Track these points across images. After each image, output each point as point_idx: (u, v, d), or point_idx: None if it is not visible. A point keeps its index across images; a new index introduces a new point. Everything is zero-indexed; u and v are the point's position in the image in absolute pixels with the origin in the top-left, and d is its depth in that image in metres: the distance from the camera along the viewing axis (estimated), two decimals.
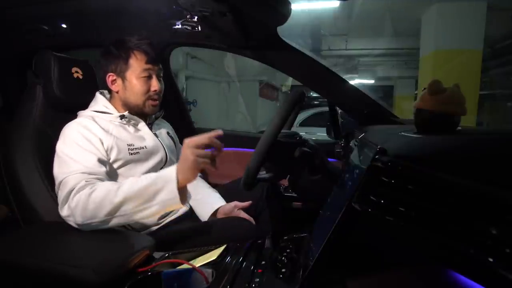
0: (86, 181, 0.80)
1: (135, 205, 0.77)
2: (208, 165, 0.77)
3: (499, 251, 0.30)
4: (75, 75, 1.05)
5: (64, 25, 1.07)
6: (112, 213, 0.77)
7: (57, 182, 0.83)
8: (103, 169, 0.86)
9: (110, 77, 0.99)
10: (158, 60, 1.00)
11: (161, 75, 1.02)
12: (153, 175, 0.80)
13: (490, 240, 0.31)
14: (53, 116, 1.01)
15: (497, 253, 0.30)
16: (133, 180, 0.80)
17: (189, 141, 0.76)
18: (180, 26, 1.01)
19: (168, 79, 1.45)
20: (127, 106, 1.00)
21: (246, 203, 1.06)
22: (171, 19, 1.04)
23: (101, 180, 0.84)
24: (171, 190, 0.76)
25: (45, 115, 1.00)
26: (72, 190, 0.78)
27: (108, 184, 0.81)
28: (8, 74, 1.17)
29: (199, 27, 1.01)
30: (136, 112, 1.01)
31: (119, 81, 0.98)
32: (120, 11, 1.02)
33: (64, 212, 0.79)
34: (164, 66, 1.39)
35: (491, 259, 0.30)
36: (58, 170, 0.84)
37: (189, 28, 1.00)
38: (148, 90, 0.98)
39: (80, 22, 1.09)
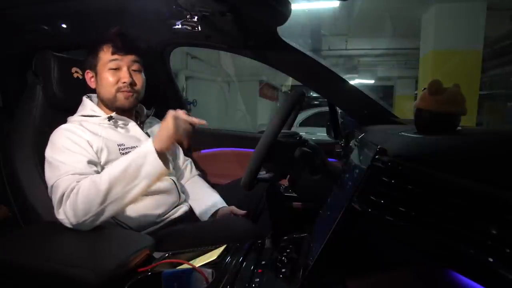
0: (77, 182, 0.80)
1: (122, 186, 0.79)
2: (185, 136, 0.82)
3: (499, 251, 0.30)
4: (75, 75, 1.05)
5: (64, 25, 1.07)
6: (103, 202, 0.77)
7: (49, 186, 0.83)
8: (93, 169, 0.85)
9: (88, 74, 0.99)
10: (131, 51, 0.97)
11: (137, 67, 0.98)
12: (130, 154, 0.82)
13: (490, 240, 0.31)
14: (53, 116, 1.01)
15: (497, 253, 0.30)
16: (113, 164, 0.82)
17: (174, 112, 0.82)
18: (180, 26, 1.01)
19: (168, 79, 1.45)
20: (103, 102, 0.99)
21: (242, 212, 1.06)
22: (171, 19, 1.04)
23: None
24: (153, 161, 0.79)
25: (45, 115, 1.00)
26: (64, 193, 0.79)
27: (91, 177, 0.81)
28: (8, 74, 1.17)
29: (199, 27, 1.00)
30: (115, 107, 0.98)
31: (94, 76, 0.98)
32: (120, 11, 1.01)
33: (60, 215, 0.79)
34: (164, 66, 1.40)
35: (491, 259, 0.30)
36: (49, 175, 0.84)
37: (189, 28, 1.00)
38: (117, 82, 0.95)
39: (80, 22, 1.09)
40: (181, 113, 0.83)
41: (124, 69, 0.95)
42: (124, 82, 0.94)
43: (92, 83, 0.99)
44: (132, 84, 0.96)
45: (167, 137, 0.81)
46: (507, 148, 0.41)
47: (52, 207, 0.86)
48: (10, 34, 1.07)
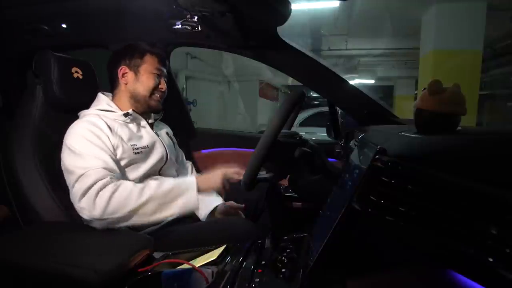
0: (110, 178, 0.83)
1: (157, 206, 0.84)
2: (222, 190, 0.94)
3: (499, 251, 0.30)
4: (75, 75, 1.04)
5: (64, 25, 1.07)
6: (134, 211, 0.82)
7: (74, 176, 0.84)
8: (116, 167, 0.89)
9: (122, 70, 1.02)
10: (166, 65, 1.08)
11: (166, 79, 1.08)
12: (176, 180, 0.91)
13: (490, 240, 0.31)
14: (53, 116, 1.01)
15: (497, 253, 0.30)
16: (157, 183, 0.88)
17: (227, 171, 0.94)
18: (180, 26, 1.01)
19: (168, 79, 1.45)
20: (133, 98, 1.03)
21: (240, 205, 1.08)
22: (171, 19, 1.04)
23: (118, 178, 0.87)
24: (192, 195, 0.88)
25: (45, 115, 1.00)
26: (94, 184, 0.81)
27: (130, 184, 0.86)
28: (8, 74, 1.17)
29: (199, 27, 1.01)
30: (141, 106, 1.04)
31: (130, 74, 1.02)
32: (120, 11, 1.02)
33: (82, 203, 0.80)
34: None
35: (491, 259, 0.30)
36: (74, 164, 0.85)
37: (189, 28, 1.00)
38: (157, 87, 1.04)
39: (80, 22, 1.09)
40: (230, 173, 0.93)
41: (162, 78, 1.06)
42: (162, 89, 1.05)
43: (123, 79, 1.03)
44: (165, 92, 1.08)
45: (211, 187, 0.93)
46: (507, 148, 0.41)
47: (52, 207, 0.86)
48: (10, 34, 1.07)
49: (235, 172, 0.94)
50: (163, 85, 1.05)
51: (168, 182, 0.89)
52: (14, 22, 1.03)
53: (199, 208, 0.90)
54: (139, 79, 1.02)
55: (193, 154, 1.49)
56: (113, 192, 0.81)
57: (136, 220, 0.84)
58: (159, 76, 1.04)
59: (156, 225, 0.97)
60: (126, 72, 1.02)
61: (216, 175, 0.93)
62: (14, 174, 0.93)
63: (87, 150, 0.86)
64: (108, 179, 0.82)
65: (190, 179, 0.91)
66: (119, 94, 1.04)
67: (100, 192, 0.80)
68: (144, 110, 1.05)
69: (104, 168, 0.84)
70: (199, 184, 0.90)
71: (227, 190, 0.94)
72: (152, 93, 1.03)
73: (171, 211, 0.86)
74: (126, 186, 0.84)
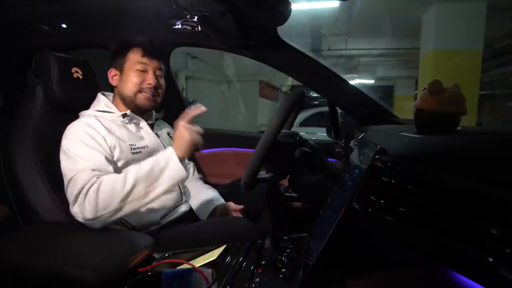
0: (96, 178, 0.82)
1: (145, 187, 0.82)
2: (199, 141, 0.86)
3: (499, 251, 0.30)
4: (75, 75, 1.04)
5: (64, 25, 1.07)
6: (125, 198, 0.80)
7: (66, 179, 0.85)
8: (110, 167, 0.88)
9: (112, 72, 1.01)
10: (157, 56, 1.01)
11: (161, 73, 1.03)
12: (153, 157, 0.86)
13: (490, 240, 0.31)
14: (53, 116, 1.01)
15: (497, 253, 0.30)
16: (137, 166, 0.85)
17: (183, 122, 0.85)
18: (180, 26, 1.01)
19: (168, 79, 1.45)
20: (123, 100, 1.01)
21: (239, 206, 1.08)
22: (171, 19, 1.04)
23: None
24: (175, 165, 0.84)
25: (45, 115, 1.00)
26: (83, 188, 0.81)
27: (112, 175, 0.84)
28: (8, 74, 1.17)
29: (199, 27, 1.01)
30: (134, 106, 1.00)
31: (118, 75, 1.01)
32: (120, 11, 1.02)
33: (74, 209, 0.81)
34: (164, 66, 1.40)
35: (491, 259, 0.30)
36: (67, 167, 0.86)
37: (189, 28, 1.00)
38: (142, 83, 0.98)
39: (80, 22, 1.09)
40: (187, 120, 0.86)
41: (150, 72, 0.99)
42: (149, 84, 0.98)
43: (113, 81, 1.01)
44: (157, 87, 1.01)
45: (186, 144, 0.84)
46: (507, 148, 0.41)
47: (52, 207, 0.86)
48: (11, 34, 1.07)
49: (187, 121, 0.86)
50: (151, 80, 0.98)
51: (147, 162, 0.85)
52: (14, 22, 1.03)
53: (187, 176, 0.86)
54: (123, 79, 0.99)
55: (194, 154, 1.49)
56: (98, 189, 0.80)
57: (130, 208, 0.82)
58: (143, 71, 0.98)
59: (156, 225, 0.98)
60: (115, 74, 1.01)
61: (181, 132, 0.85)
62: (14, 174, 0.93)
63: (79, 151, 0.86)
64: (94, 180, 0.82)
65: (168, 151, 0.85)
66: (115, 96, 1.04)
67: (87, 196, 0.80)
68: (135, 110, 1.01)
69: (93, 170, 0.83)
70: (176, 151, 0.85)
71: (200, 132, 0.86)
72: (138, 90, 0.98)
73: (161, 187, 0.83)
74: (109, 179, 0.82)
